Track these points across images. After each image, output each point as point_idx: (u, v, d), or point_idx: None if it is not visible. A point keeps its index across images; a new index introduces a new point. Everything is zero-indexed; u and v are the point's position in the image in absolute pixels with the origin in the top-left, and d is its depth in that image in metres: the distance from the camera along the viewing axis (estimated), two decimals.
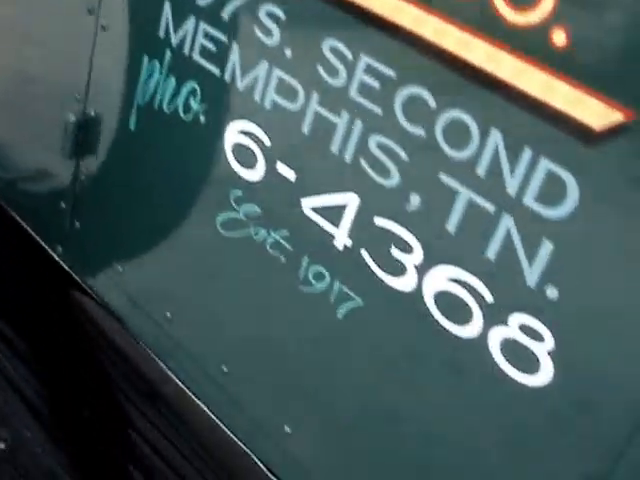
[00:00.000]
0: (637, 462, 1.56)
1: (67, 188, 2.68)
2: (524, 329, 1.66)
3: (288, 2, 1.96)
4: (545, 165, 1.59)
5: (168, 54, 2.26)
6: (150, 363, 2.55)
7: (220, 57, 2.13)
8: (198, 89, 2.20)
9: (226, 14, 2.08)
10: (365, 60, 1.83)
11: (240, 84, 2.10)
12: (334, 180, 1.93)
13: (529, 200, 1.62)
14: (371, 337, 1.92)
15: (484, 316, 1.71)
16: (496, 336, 1.70)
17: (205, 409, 2.35)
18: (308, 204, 1.99)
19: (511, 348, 1.68)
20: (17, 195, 2.90)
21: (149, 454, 2.74)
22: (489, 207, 1.68)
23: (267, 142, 2.06)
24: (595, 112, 1.52)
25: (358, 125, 1.86)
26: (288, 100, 1.99)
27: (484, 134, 1.67)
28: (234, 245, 2.18)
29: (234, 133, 2.13)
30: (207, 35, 2.15)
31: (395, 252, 1.83)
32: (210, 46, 2.15)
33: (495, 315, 1.70)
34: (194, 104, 2.22)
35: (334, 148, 1.91)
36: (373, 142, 1.84)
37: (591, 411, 1.62)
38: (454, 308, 1.75)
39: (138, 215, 2.47)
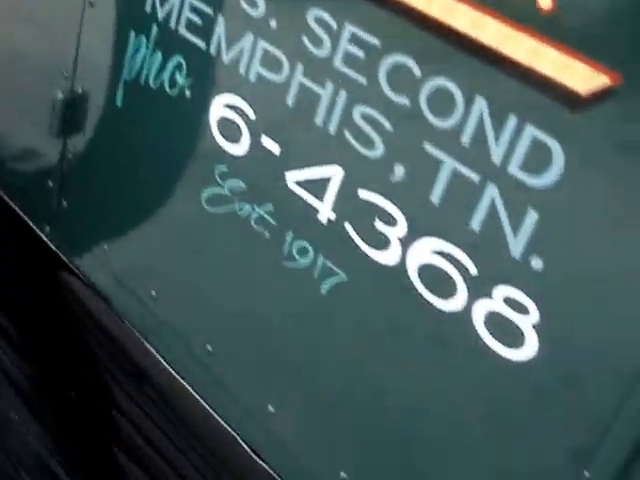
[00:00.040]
0: (623, 436, 1.52)
1: (55, 167, 2.64)
2: (509, 302, 1.62)
3: None
4: (530, 132, 1.55)
5: (154, 29, 2.23)
6: (137, 344, 2.52)
7: (206, 30, 2.10)
8: (184, 63, 2.17)
9: None
10: (350, 29, 1.79)
11: (225, 57, 2.06)
12: (318, 153, 1.89)
13: (514, 169, 1.58)
14: (355, 312, 1.88)
15: (468, 289, 1.67)
16: (480, 309, 1.66)
17: (190, 390, 2.32)
18: (292, 178, 1.95)
19: (495, 322, 1.64)
20: (4, 174, 2.86)
21: (134, 435, 2.70)
22: (473, 177, 1.64)
23: (252, 115, 2.03)
24: (581, 76, 1.48)
25: (342, 96, 1.83)
26: (273, 72, 1.96)
27: (469, 102, 1.63)
28: (219, 221, 2.14)
29: (219, 107, 2.10)
30: (193, 8, 2.12)
31: (379, 225, 1.79)
32: (196, 19, 2.11)
33: (479, 288, 1.66)
34: (180, 79, 2.18)
35: (318, 120, 1.88)
36: (357, 113, 1.80)
37: (576, 385, 1.58)
38: (438, 281, 1.72)
39: (124, 193, 2.44)
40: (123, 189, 2.44)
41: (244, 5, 1.99)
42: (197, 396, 2.27)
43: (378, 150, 1.78)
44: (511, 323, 1.62)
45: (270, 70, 1.96)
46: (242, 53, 2.02)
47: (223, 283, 2.18)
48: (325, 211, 1.89)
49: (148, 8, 2.23)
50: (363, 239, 1.83)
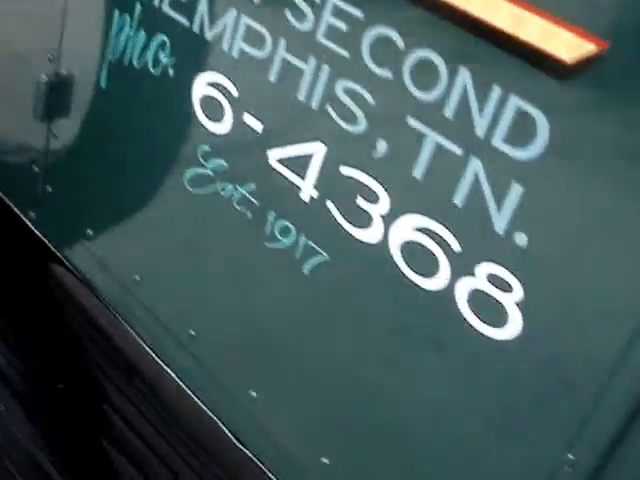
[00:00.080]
0: (607, 418, 1.47)
1: (39, 151, 2.60)
2: (492, 279, 1.57)
3: None
4: (515, 103, 1.51)
5: (138, 7, 2.19)
6: (124, 334, 2.47)
7: (189, 7, 2.05)
8: (167, 42, 2.13)
9: None
10: (333, 2, 1.75)
11: (208, 34, 2.02)
12: (301, 129, 1.85)
13: (498, 141, 1.54)
14: (337, 293, 1.84)
15: (451, 267, 1.63)
16: (463, 288, 1.61)
17: (179, 381, 2.27)
18: (275, 156, 1.91)
19: (479, 300, 1.59)
20: None
21: (121, 426, 2.66)
22: (457, 150, 1.59)
23: (235, 93, 1.98)
24: (567, 44, 1.43)
25: (325, 70, 1.78)
26: (256, 48, 1.91)
27: (452, 73, 1.58)
28: (201, 202, 2.10)
29: (202, 85, 2.05)
30: None
31: (361, 202, 1.75)
32: None
33: (462, 265, 1.61)
34: (163, 57, 2.14)
35: (301, 96, 1.83)
36: (340, 87, 1.76)
37: (560, 365, 1.53)
38: (421, 259, 1.67)
39: (109, 177, 2.39)
40: (108, 173, 2.40)
41: None
42: (179, 381, 2.22)
43: (360, 125, 1.73)
44: (494, 301, 1.57)
45: (253, 46, 1.92)
46: (225, 30, 1.98)
47: (206, 266, 2.13)
48: (307, 189, 1.84)
49: None
50: (345, 217, 1.78)
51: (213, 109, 2.03)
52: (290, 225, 1.89)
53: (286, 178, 1.88)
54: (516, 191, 1.52)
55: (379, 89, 1.70)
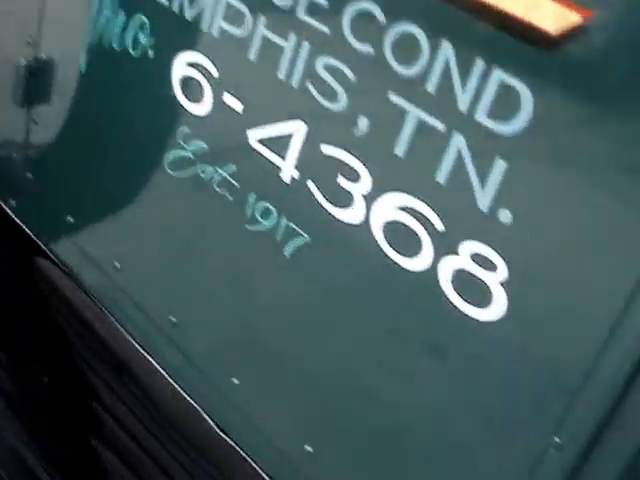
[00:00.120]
0: (594, 400, 1.43)
1: (19, 138, 2.55)
2: (476, 258, 1.53)
3: None
4: (498, 76, 1.46)
5: None
6: (109, 326, 2.43)
7: None
8: (147, 22, 2.08)
9: None
10: None
11: (188, 13, 1.97)
12: (281, 108, 1.81)
13: (481, 116, 1.49)
14: (319, 276, 1.80)
15: (434, 246, 1.58)
16: (447, 267, 1.57)
17: (157, 366, 2.22)
18: (255, 136, 1.86)
19: (462, 280, 1.55)
20: None
21: (108, 420, 2.61)
22: (439, 126, 1.55)
23: (215, 73, 1.94)
24: (551, 15, 1.39)
25: (305, 47, 1.74)
26: (235, 26, 1.87)
27: (434, 47, 1.54)
28: (182, 186, 2.05)
29: (182, 66, 2.01)
30: None
31: (342, 182, 1.70)
32: None
33: (445, 244, 1.57)
34: (143, 38, 2.09)
35: (281, 74, 1.79)
36: (320, 64, 1.71)
37: (546, 346, 1.49)
38: (403, 239, 1.62)
39: (89, 163, 2.35)
40: (88, 159, 2.35)
41: None
42: (160, 368, 2.18)
43: (341, 102, 1.69)
44: (479, 281, 1.53)
45: (232, 24, 1.87)
46: (205, 8, 1.93)
47: (186, 251, 2.09)
48: (288, 169, 1.80)
49: None
50: (326, 197, 1.74)
51: (193, 90, 1.99)
52: (271, 207, 1.85)
53: (266, 159, 1.84)
54: (500, 167, 1.48)
55: (360, 65, 1.65)
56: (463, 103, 1.51)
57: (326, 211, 1.74)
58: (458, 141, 1.52)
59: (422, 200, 1.59)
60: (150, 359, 2.25)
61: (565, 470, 1.45)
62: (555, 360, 1.48)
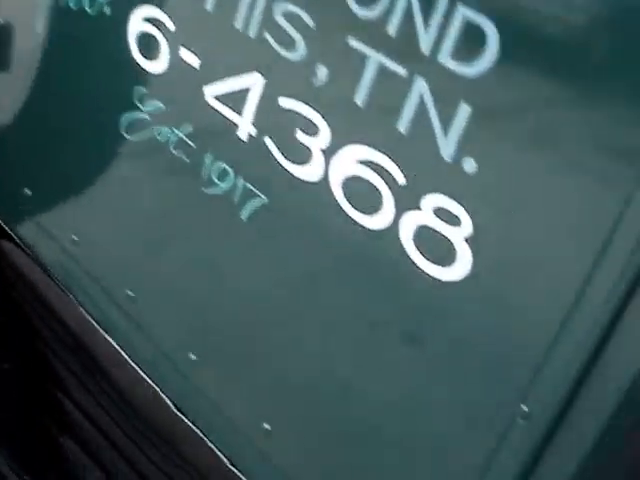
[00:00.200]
0: (562, 368, 1.31)
1: None
2: (439, 212, 1.41)
3: None
4: (462, 13, 1.35)
5: None
6: (70, 307, 2.31)
7: None
8: None
9: None
10: None
11: None
12: (238, 61, 1.70)
13: (444, 57, 1.38)
14: (277, 239, 1.68)
15: (395, 201, 1.47)
16: (408, 224, 1.46)
17: (126, 356, 2.10)
18: (211, 92, 1.75)
19: (425, 237, 1.44)
20: None
21: (69, 405, 2.49)
22: (401, 71, 1.44)
23: (171, 27, 1.83)
24: None
25: None
26: None
27: None
28: (138, 149, 1.94)
29: (138, 21, 1.90)
30: None
31: (300, 136, 1.59)
32: None
33: (407, 199, 1.45)
34: None
35: (238, 24, 1.68)
36: (278, 11, 1.61)
37: (512, 309, 1.38)
38: (363, 195, 1.51)
39: (45, 129, 2.23)
40: (44, 126, 2.24)
41: None
42: (117, 346, 2.06)
43: (300, 51, 1.58)
44: (442, 237, 1.41)
45: None
46: None
47: (142, 218, 1.97)
48: (245, 126, 1.69)
49: None
50: (284, 154, 1.63)
51: (150, 47, 1.88)
52: (228, 167, 1.74)
53: (223, 116, 1.73)
54: (464, 112, 1.36)
55: (319, 9, 1.55)
56: (425, 45, 1.40)
57: (284, 169, 1.62)
58: (420, 86, 1.41)
59: (383, 152, 1.47)
60: (112, 341, 2.13)
61: (534, 439, 1.33)
62: (521, 324, 1.37)
